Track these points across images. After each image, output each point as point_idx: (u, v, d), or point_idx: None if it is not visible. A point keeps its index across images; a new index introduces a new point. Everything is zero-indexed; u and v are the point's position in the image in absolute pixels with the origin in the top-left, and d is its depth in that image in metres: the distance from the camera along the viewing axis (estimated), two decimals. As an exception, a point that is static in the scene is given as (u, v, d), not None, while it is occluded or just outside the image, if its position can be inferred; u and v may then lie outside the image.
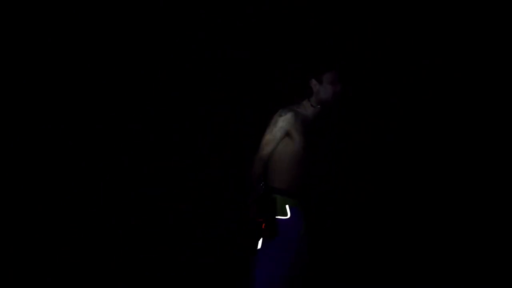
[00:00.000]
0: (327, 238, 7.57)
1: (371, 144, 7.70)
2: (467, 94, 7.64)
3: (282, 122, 3.50)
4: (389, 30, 7.65)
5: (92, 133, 7.18)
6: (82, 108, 7.17)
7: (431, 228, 7.55)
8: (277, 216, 3.44)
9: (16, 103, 7.01)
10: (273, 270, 3.40)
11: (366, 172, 7.70)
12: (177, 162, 7.33)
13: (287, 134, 3.51)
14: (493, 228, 7.43)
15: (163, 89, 7.36)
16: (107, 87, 7.25)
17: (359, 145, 7.70)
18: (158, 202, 7.24)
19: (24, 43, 7.03)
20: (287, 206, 3.49)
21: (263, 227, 3.43)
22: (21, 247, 6.91)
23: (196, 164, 7.34)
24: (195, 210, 7.20)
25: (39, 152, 7.06)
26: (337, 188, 7.44)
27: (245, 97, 7.49)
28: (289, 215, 3.47)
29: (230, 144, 7.38)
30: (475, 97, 7.64)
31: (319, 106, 3.61)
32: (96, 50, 7.21)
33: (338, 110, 3.62)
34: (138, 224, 7.17)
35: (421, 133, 7.70)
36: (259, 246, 3.47)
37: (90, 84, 7.21)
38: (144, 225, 7.18)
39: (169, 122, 7.35)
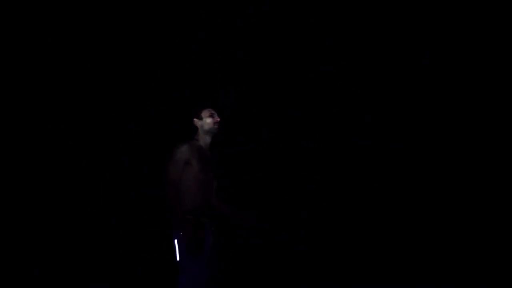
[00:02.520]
0: (325, 239, 7.58)
1: (370, 144, 7.71)
2: (467, 94, 7.65)
3: (180, 154, 4.23)
4: (389, 30, 7.65)
5: (92, 133, 7.18)
6: (82, 108, 7.18)
7: (431, 228, 7.56)
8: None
9: (16, 103, 7.01)
10: (192, 276, 4.08)
11: (365, 173, 7.70)
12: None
13: (187, 162, 4.20)
14: (493, 228, 7.43)
15: (163, 89, 7.37)
16: (107, 87, 7.25)
17: (358, 145, 7.70)
18: (158, 202, 7.24)
19: (24, 43, 7.04)
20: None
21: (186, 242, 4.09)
22: (21, 247, 6.91)
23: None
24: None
25: (39, 152, 7.06)
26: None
27: (244, 96, 7.50)
28: None
29: (229, 143, 7.38)
30: (475, 97, 7.64)
31: (207, 136, 4.41)
32: (96, 50, 7.22)
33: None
34: (138, 224, 7.18)
35: (420, 133, 7.71)
36: (177, 258, 4.18)
37: (90, 84, 7.21)
38: (144, 225, 7.19)
39: (169, 122, 7.35)
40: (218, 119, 4.39)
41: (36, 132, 7.04)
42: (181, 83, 7.41)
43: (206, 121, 4.38)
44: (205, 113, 4.41)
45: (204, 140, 4.40)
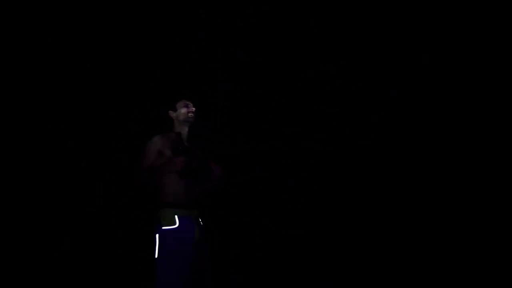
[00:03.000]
0: (325, 239, 7.57)
1: (370, 144, 7.71)
2: (467, 95, 7.65)
3: (151, 145, 4.27)
4: (388, 30, 7.66)
5: (92, 133, 7.18)
6: (82, 108, 7.18)
7: (431, 228, 7.56)
8: (165, 226, 3.99)
9: (16, 103, 7.02)
10: (170, 274, 3.90)
11: (365, 173, 7.70)
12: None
13: (161, 152, 4.19)
14: (493, 228, 7.43)
15: (163, 89, 7.37)
16: (107, 87, 7.25)
17: (358, 145, 7.70)
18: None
19: (24, 43, 7.04)
20: (176, 217, 4.01)
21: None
22: (21, 247, 6.91)
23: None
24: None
25: (39, 152, 7.06)
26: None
27: (244, 96, 7.51)
28: (177, 224, 3.98)
29: (229, 143, 7.39)
30: (475, 97, 7.64)
31: (183, 127, 4.42)
32: (96, 51, 7.22)
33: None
34: (138, 224, 7.18)
35: (421, 133, 7.71)
36: (156, 255, 3.95)
37: (90, 84, 7.22)
38: (144, 225, 7.18)
39: (168, 122, 7.34)
40: (193, 108, 4.40)
41: (36, 132, 7.05)
42: (181, 83, 7.41)
43: (181, 111, 4.41)
44: (179, 104, 4.45)
45: (180, 131, 4.42)
